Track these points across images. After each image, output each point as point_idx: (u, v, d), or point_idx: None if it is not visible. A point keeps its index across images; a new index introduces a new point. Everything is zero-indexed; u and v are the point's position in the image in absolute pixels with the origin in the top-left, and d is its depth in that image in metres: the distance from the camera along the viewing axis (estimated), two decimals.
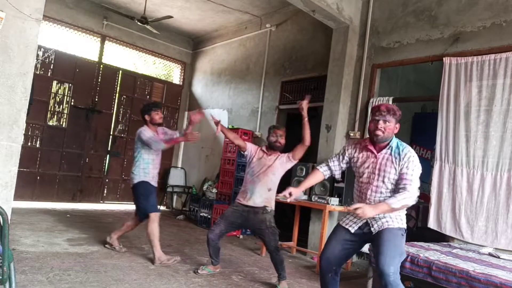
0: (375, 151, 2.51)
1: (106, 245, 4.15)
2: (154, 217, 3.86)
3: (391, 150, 2.46)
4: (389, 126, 2.42)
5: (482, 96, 3.91)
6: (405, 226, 2.49)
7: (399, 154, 2.43)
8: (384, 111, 2.42)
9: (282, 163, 3.65)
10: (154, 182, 4.01)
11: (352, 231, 2.52)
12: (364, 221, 2.49)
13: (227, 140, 6.75)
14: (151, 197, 3.91)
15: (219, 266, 3.81)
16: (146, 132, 3.91)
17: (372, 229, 2.47)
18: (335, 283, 2.60)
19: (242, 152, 3.80)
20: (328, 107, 5.24)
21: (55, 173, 7.12)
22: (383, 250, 2.33)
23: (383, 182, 2.46)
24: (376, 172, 2.48)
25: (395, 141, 2.49)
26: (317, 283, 3.87)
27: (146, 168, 3.93)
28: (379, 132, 2.42)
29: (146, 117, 4.06)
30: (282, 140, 3.67)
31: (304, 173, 5.16)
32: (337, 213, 4.95)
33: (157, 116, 4.03)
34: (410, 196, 2.34)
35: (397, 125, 2.48)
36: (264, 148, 3.75)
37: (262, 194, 3.56)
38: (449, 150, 4.08)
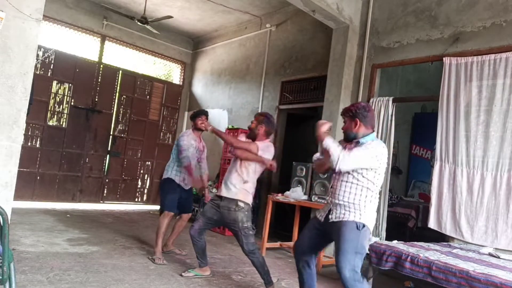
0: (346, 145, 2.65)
1: (167, 252, 4.33)
2: (167, 214, 4.13)
3: (359, 143, 2.55)
4: (345, 126, 2.62)
5: (482, 96, 3.91)
6: (364, 221, 2.47)
7: (362, 144, 2.52)
8: (341, 114, 2.68)
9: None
10: (183, 184, 4.23)
11: (322, 220, 2.62)
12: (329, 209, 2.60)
13: None
14: (170, 195, 4.16)
15: (207, 269, 3.63)
16: (186, 138, 4.20)
17: (330, 216, 2.55)
18: (309, 276, 2.72)
19: None
20: (328, 107, 5.23)
21: (55, 173, 7.12)
22: (337, 247, 2.42)
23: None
24: None
25: (368, 139, 2.54)
26: (317, 283, 3.87)
27: (178, 167, 4.19)
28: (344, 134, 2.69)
29: (192, 122, 4.37)
30: (252, 125, 3.40)
31: (304, 173, 5.17)
32: None
33: (199, 122, 4.23)
34: (338, 155, 2.35)
35: (355, 121, 2.55)
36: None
37: (235, 185, 3.27)
38: (449, 150, 4.08)
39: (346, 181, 2.54)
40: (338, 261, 2.37)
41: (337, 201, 2.55)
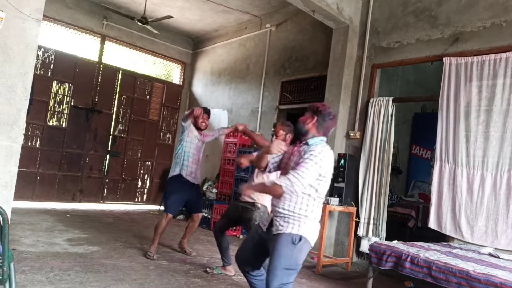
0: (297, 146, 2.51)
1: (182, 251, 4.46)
2: (166, 216, 4.13)
3: (307, 144, 2.40)
4: (303, 117, 2.49)
5: (482, 96, 3.91)
6: (303, 233, 2.29)
7: (309, 147, 2.36)
8: (308, 107, 2.54)
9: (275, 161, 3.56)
10: (191, 177, 4.22)
11: (264, 229, 2.50)
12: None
13: (228, 140, 6.76)
14: (174, 196, 4.15)
15: (231, 269, 3.75)
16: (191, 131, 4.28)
17: (272, 228, 2.40)
18: (258, 281, 2.62)
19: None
20: None
21: (55, 173, 7.12)
22: (270, 260, 2.30)
23: (289, 168, 2.39)
24: (286, 161, 2.46)
25: (317, 141, 2.40)
26: (318, 283, 3.88)
27: (185, 161, 4.18)
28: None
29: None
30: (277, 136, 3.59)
31: None
32: (337, 213, 4.94)
33: (200, 120, 4.32)
34: (289, 181, 2.20)
35: (313, 118, 2.44)
36: None
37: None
38: (449, 150, 4.08)
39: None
40: (267, 275, 2.28)
41: (277, 208, 2.39)
